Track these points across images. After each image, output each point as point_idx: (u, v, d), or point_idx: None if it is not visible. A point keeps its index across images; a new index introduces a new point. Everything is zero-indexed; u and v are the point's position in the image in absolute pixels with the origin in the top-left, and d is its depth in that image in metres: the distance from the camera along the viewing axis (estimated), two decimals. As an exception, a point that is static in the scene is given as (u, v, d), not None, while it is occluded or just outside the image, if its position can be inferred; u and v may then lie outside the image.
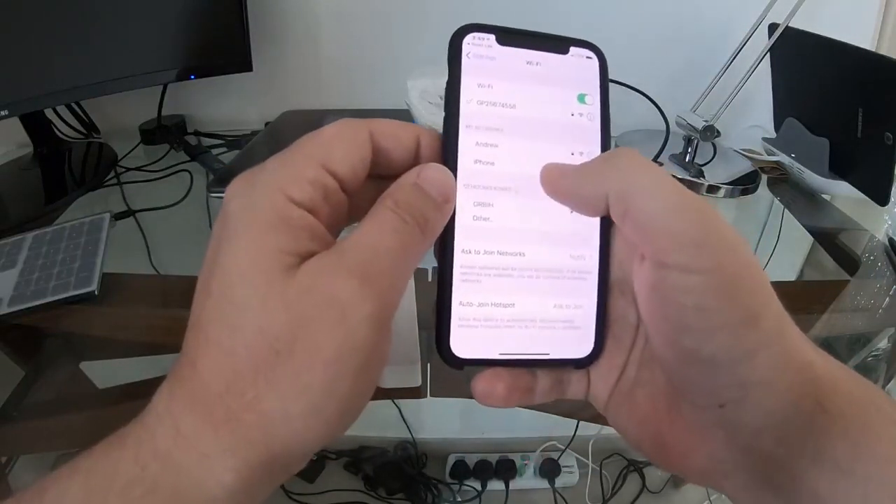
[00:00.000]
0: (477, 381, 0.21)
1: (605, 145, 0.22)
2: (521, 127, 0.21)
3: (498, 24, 0.21)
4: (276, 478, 0.18)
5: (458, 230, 0.20)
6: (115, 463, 0.17)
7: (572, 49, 0.22)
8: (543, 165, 0.21)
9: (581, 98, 0.22)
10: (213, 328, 0.17)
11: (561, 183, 0.21)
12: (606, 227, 0.22)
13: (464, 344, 0.21)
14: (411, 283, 0.51)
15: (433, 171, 0.20)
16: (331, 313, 0.17)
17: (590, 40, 0.22)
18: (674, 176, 0.81)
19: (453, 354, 0.21)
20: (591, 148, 0.22)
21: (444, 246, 0.20)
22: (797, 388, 0.18)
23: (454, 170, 0.20)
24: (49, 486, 0.16)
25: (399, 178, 0.20)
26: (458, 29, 0.21)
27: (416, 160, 0.21)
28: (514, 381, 0.21)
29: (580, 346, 0.22)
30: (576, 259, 0.22)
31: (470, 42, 0.21)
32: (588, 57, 0.22)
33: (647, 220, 0.19)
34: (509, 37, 0.21)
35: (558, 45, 0.22)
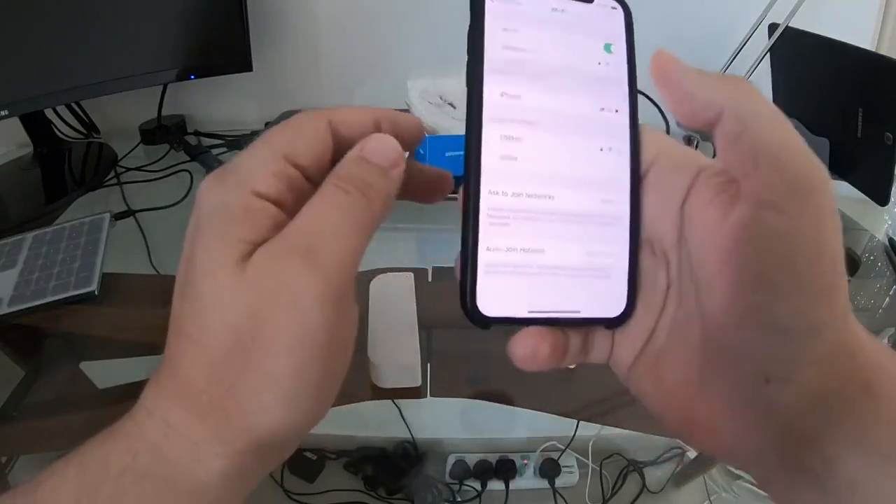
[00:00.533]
0: (517, 343, 0.19)
1: (633, 98, 0.21)
2: (546, 72, 0.21)
3: None
4: (267, 463, 0.19)
5: (485, 171, 0.20)
6: (106, 455, 0.17)
7: None
8: (657, 51, 0.19)
9: (607, 48, 0.21)
10: (186, 324, 0.18)
11: (677, 73, 0.19)
12: (637, 173, 0.21)
13: (491, 300, 0.19)
14: (411, 283, 0.51)
15: (375, 141, 0.20)
16: (282, 298, 0.17)
17: None
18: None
19: (480, 312, 0.19)
20: (618, 99, 0.21)
21: (469, 190, 0.20)
22: (847, 372, 0.17)
23: (479, 112, 0.20)
24: (44, 480, 0.17)
25: None
26: None
27: None
28: (555, 339, 0.20)
29: (612, 302, 0.20)
30: (606, 204, 0.21)
31: None
32: (613, 7, 0.21)
33: (764, 148, 0.17)
34: None
35: None
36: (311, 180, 0.19)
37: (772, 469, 0.18)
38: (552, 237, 0.20)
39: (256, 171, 0.18)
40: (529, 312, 0.20)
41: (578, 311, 0.20)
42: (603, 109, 0.21)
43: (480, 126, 0.20)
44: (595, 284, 0.20)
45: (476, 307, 0.19)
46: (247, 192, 0.18)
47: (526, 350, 0.19)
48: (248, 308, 0.17)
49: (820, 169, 0.17)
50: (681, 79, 0.19)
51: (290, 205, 0.19)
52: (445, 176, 0.24)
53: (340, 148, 0.20)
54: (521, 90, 0.20)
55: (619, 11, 0.22)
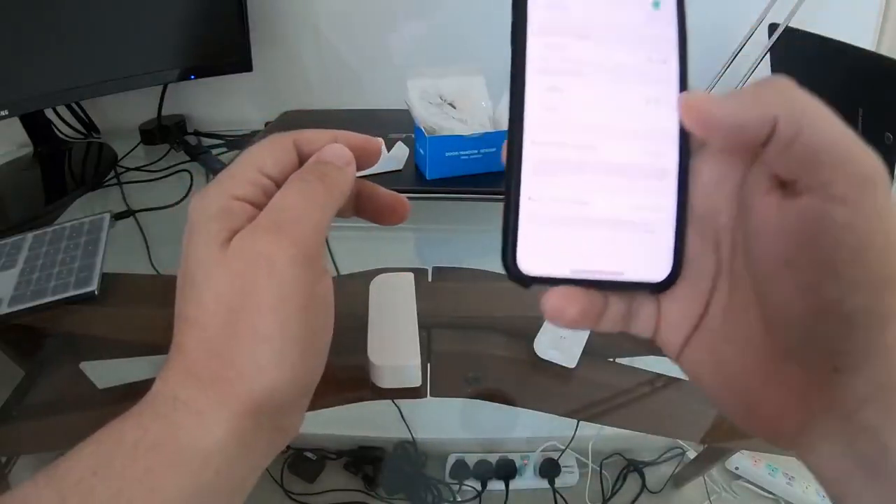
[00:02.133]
0: (548, 298, 0.20)
1: (683, 52, 0.21)
2: (591, 24, 0.20)
3: None
4: (266, 432, 0.21)
5: (528, 122, 0.20)
6: (120, 431, 0.19)
7: None
8: (681, 95, 0.20)
9: (655, 4, 0.21)
10: (186, 309, 0.21)
11: (714, 110, 0.18)
12: (686, 140, 0.20)
13: (532, 257, 0.19)
14: (411, 282, 0.51)
15: (329, 147, 0.24)
16: (260, 265, 0.20)
17: None
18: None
19: (520, 270, 0.19)
20: (666, 52, 0.21)
21: (512, 140, 0.20)
22: None
23: (522, 62, 0.20)
24: (62, 461, 0.19)
25: None
26: None
27: None
28: (588, 302, 0.20)
29: (657, 264, 0.20)
30: (653, 157, 0.20)
31: None
32: None
33: (824, 145, 0.17)
34: None
35: None
36: (279, 187, 0.23)
37: (830, 457, 0.18)
38: (596, 190, 0.20)
39: (234, 179, 0.22)
40: (571, 272, 0.19)
41: (621, 273, 0.20)
42: (651, 60, 0.20)
43: (524, 76, 0.20)
44: (639, 243, 0.20)
45: (516, 265, 0.19)
46: (227, 196, 0.22)
47: (553, 305, 0.19)
48: (232, 280, 0.20)
49: (879, 163, 0.17)
50: (725, 111, 0.18)
51: (263, 205, 0.22)
52: (400, 201, 0.27)
53: (304, 162, 0.24)
54: (565, 41, 0.20)
55: None
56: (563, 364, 0.47)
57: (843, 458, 0.18)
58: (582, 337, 0.48)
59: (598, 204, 0.20)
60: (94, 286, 0.51)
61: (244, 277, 0.20)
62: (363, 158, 0.25)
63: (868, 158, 0.17)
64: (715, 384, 0.21)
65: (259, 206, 0.22)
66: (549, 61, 0.20)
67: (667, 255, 0.20)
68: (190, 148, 0.82)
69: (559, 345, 0.47)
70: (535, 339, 0.48)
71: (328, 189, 0.23)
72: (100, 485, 0.18)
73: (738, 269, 0.20)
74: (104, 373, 0.53)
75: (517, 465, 1.05)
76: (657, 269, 0.20)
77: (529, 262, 0.19)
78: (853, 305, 0.17)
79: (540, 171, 0.20)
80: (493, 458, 1.06)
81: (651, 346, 0.22)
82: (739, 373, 0.20)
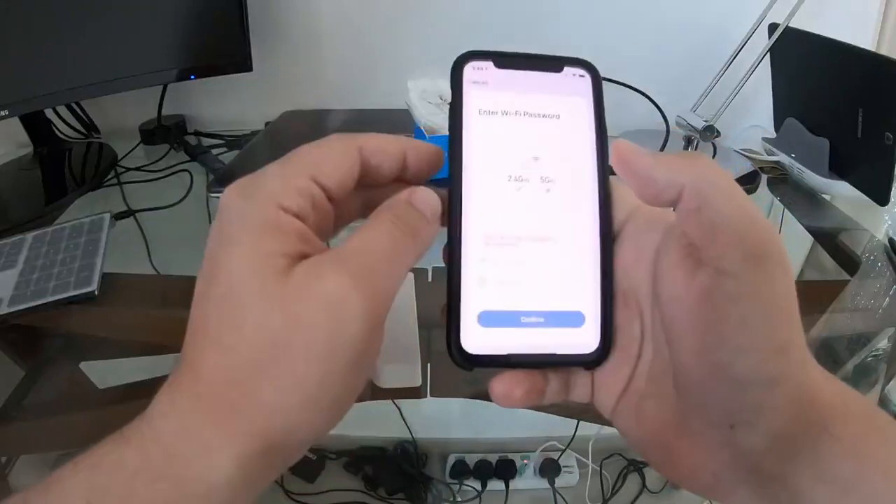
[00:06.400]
0: (495, 384, 0.21)
1: (603, 155, 0.23)
2: (522, 140, 0.23)
3: (493, 50, 0.23)
4: (273, 469, 0.19)
5: (466, 230, 0.22)
6: (119, 457, 0.17)
7: (566, 68, 0.24)
8: (616, 142, 0.21)
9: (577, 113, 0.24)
10: (213, 328, 0.18)
11: (636, 161, 0.21)
12: (609, 225, 0.23)
13: (473, 343, 0.21)
14: (411, 282, 0.51)
15: (424, 193, 0.22)
16: (325, 309, 0.18)
17: (582, 57, 0.24)
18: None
19: (464, 353, 0.21)
20: (589, 160, 0.23)
21: (451, 236, 0.22)
22: (806, 415, 0.19)
23: (459, 172, 0.22)
24: (54, 482, 0.17)
25: (390, 192, 0.22)
26: (458, 57, 0.23)
27: (403, 172, 0.23)
28: (531, 383, 0.22)
29: (588, 344, 0.22)
30: (580, 254, 0.22)
31: (470, 67, 0.23)
32: (581, 75, 0.24)
33: (721, 221, 0.19)
34: (506, 60, 0.23)
35: (553, 64, 0.24)
36: (332, 200, 0.21)
37: (747, 502, 0.20)
38: (531, 281, 0.22)
39: (282, 185, 0.19)
40: (509, 353, 0.21)
41: (555, 352, 0.22)
42: (575, 170, 0.23)
43: (461, 185, 0.22)
44: (571, 328, 0.22)
45: (461, 350, 0.21)
46: (273, 206, 0.19)
47: (501, 391, 0.21)
48: (286, 315, 0.18)
49: (772, 235, 0.19)
50: (644, 165, 0.20)
51: (311, 220, 0.20)
52: (438, 149, 0.25)
53: (366, 172, 0.22)
54: (497, 155, 0.22)
55: (587, 78, 0.24)
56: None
57: None
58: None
59: (534, 294, 0.22)
60: (94, 286, 0.51)
61: (301, 317, 0.18)
62: (429, 170, 0.24)
63: (761, 235, 0.18)
64: (639, 438, 0.22)
65: (306, 221, 0.19)
66: (483, 171, 0.22)
67: (596, 336, 0.22)
68: (190, 148, 0.82)
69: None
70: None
71: (416, 248, 0.21)
72: None
73: (658, 336, 0.22)
74: (104, 373, 0.53)
75: (517, 465, 1.05)
76: (588, 348, 0.22)
77: (471, 347, 0.21)
78: (742, 369, 0.18)
79: (478, 272, 0.21)
80: (493, 458, 1.06)
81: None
82: (659, 429, 0.21)
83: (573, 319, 0.22)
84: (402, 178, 0.23)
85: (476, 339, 0.21)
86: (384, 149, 0.22)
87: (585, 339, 0.22)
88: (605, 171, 0.23)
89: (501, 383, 0.21)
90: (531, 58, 0.23)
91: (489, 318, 0.21)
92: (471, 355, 0.21)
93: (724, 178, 0.19)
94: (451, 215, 0.22)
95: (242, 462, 0.18)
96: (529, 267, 0.22)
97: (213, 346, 0.18)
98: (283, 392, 0.18)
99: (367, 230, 0.20)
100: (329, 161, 0.20)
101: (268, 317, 0.18)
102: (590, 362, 0.22)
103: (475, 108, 0.23)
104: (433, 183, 0.23)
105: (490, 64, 0.23)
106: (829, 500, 0.18)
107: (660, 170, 0.20)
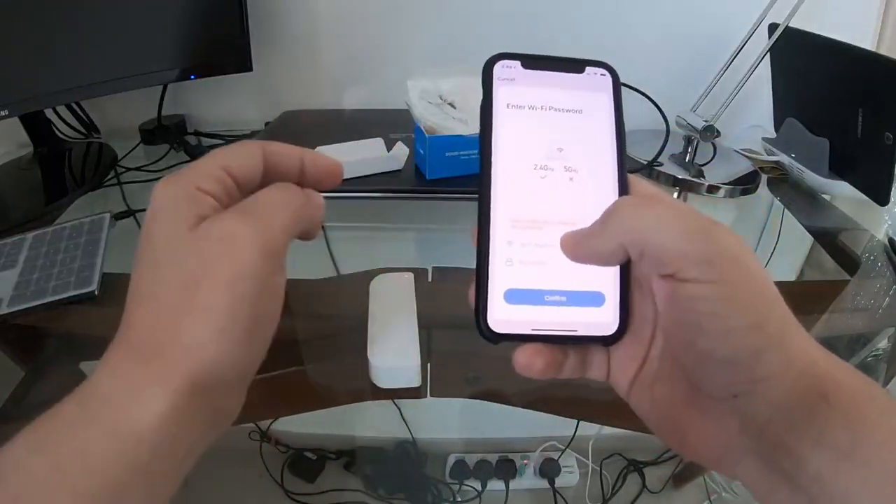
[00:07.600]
0: (518, 355, 0.24)
1: (621, 148, 0.25)
2: (547, 132, 0.25)
3: (523, 53, 0.26)
4: (202, 410, 0.21)
5: (494, 217, 0.24)
6: (57, 411, 0.19)
7: (588, 68, 0.26)
8: (562, 236, 0.24)
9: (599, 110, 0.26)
10: (140, 284, 0.21)
11: (579, 249, 0.23)
12: None
13: (500, 320, 0.23)
14: (411, 283, 0.51)
15: (318, 154, 0.26)
16: (223, 245, 0.21)
17: (601, 59, 0.26)
18: (674, 177, 0.80)
19: (491, 330, 0.23)
20: (609, 151, 0.25)
21: (481, 222, 0.24)
22: (801, 383, 0.20)
23: (489, 161, 0.24)
24: (4, 447, 0.19)
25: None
26: (489, 58, 0.26)
27: (301, 174, 0.26)
28: (551, 356, 0.24)
29: (607, 322, 0.24)
30: None
31: (500, 66, 0.25)
32: (602, 74, 0.26)
33: (660, 252, 0.21)
34: (532, 61, 0.26)
35: (575, 65, 0.26)
36: (241, 190, 0.24)
37: (754, 472, 0.22)
38: (555, 263, 0.24)
39: (198, 173, 0.23)
40: (532, 330, 0.23)
41: (575, 330, 0.24)
42: (596, 161, 0.25)
43: (490, 173, 0.24)
44: (592, 307, 0.24)
45: (488, 326, 0.23)
46: (191, 186, 0.22)
47: (524, 361, 0.24)
48: (195, 257, 0.21)
49: (713, 236, 0.21)
50: (585, 249, 0.23)
51: (224, 204, 0.23)
52: (337, 164, 0.27)
53: (270, 170, 0.25)
54: (523, 141, 0.25)
55: (608, 77, 0.26)
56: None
57: (768, 473, 0.21)
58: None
59: (557, 274, 0.24)
60: (94, 286, 0.51)
61: (206, 256, 0.21)
62: (327, 181, 0.27)
63: (700, 244, 0.20)
64: (653, 417, 0.24)
65: (221, 203, 0.23)
66: (512, 160, 0.24)
67: (615, 315, 0.24)
68: (190, 148, 0.82)
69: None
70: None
71: (307, 204, 0.24)
72: (37, 461, 0.18)
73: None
74: (104, 373, 0.53)
75: (517, 465, 1.05)
76: (607, 326, 0.24)
77: (498, 324, 0.23)
78: (725, 351, 0.20)
79: (505, 254, 0.24)
80: (493, 458, 1.06)
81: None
82: (670, 406, 0.24)
83: (594, 299, 0.24)
84: (303, 183, 0.26)
85: (502, 315, 0.23)
86: (282, 152, 0.25)
87: (605, 319, 0.24)
88: (623, 162, 0.25)
89: (524, 354, 0.24)
90: (555, 59, 0.26)
91: (515, 296, 0.23)
92: (496, 331, 0.23)
93: (649, 213, 0.21)
94: (481, 200, 0.24)
95: (169, 401, 0.19)
96: (553, 249, 0.24)
97: (140, 300, 0.21)
98: (197, 327, 0.20)
99: (260, 190, 0.23)
100: (237, 157, 0.24)
101: (179, 258, 0.21)
102: (607, 339, 0.24)
103: (504, 102, 0.25)
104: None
105: (517, 64, 0.25)
106: (827, 466, 0.20)
107: (598, 245, 0.23)
